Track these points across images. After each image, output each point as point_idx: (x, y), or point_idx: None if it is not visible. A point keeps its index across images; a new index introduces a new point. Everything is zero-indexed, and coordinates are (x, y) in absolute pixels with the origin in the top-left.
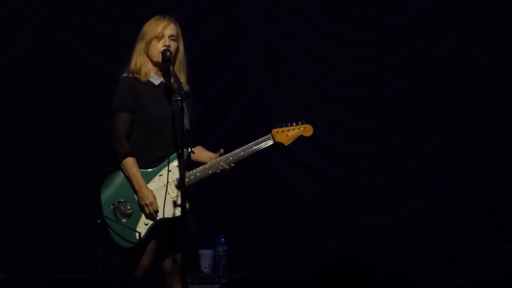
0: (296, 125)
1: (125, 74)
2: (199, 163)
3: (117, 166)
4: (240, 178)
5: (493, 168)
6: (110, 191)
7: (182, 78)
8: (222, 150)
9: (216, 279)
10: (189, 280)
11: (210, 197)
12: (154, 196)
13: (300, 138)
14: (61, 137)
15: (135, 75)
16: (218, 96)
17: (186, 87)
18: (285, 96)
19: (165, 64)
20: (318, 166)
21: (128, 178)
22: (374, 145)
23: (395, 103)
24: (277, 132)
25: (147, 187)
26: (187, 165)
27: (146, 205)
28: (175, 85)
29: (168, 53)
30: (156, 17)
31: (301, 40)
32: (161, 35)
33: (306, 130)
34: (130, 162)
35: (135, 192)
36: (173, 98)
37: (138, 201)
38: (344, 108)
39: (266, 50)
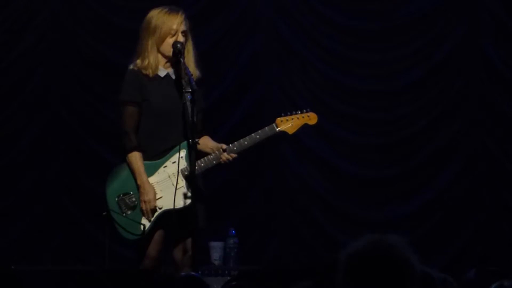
0: (300, 113)
1: (131, 66)
2: (204, 154)
3: (124, 158)
4: (250, 170)
5: (503, 160)
6: (115, 184)
7: (192, 68)
8: (224, 146)
9: (226, 271)
10: (199, 272)
11: (220, 189)
12: (154, 195)
13: (310, 129)
14: (73, 130)
15: (143, 70)
16: (228, 89)
17: (196, 73)
18: (295, 89)
19: (176, 56)
20: (328, 159)
21: (132, 172)
22: (384, 138)
23: (405, 95)
24: (281, 121)
25: (149, 183)
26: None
27: (145, 201)
28: (186, 77)
29: (179, 45)
30: (166, 9)
31: (312, 32)
32: (175, 31)
33: (310, 118)
34: (135, 157)
35: (137, 186)
36: (184, 91)
37: (140, 196)
38: (355, 100)
39: (277, 42)
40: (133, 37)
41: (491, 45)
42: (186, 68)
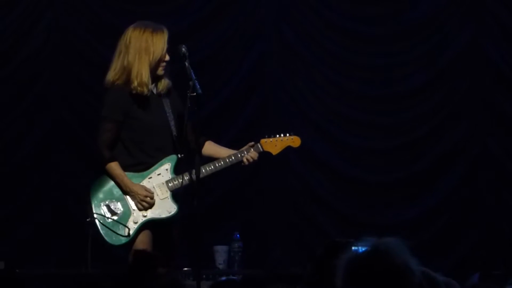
0: (284, 136)
1: (119, 82)
2: (210, 159)
3: (101, 171)
4: (254, 175)
5: (508, 164)
6: (100, 192)
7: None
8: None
9: (230, 275)
10: (204, 276)
11: (225, 193)
12: (146, 188)
13: (314, 133)
14: (76, 132)
15: (139, 88)
16: (233, 93)
17: (166, 85)
18: (300, 93)
19: (181, 60)
20: (333, 163)
21: (114, 181)
22: (389, 142)
23: (409, 99)
24: (265, 142)
25: (134, 183)
26: (179, 169)
27: (141, 200)
28: (191, 81)
29: (183, 49)
30: (156, 30)
31: (317, 36)
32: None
33: (294, 141)
34: (113, 166)
35: (124, 192)
36: (188, 94)
37: (130, 200)
38: (359, 105)
39: (281, 46)
40: None
41: (495, 49)
42: (192, 72)
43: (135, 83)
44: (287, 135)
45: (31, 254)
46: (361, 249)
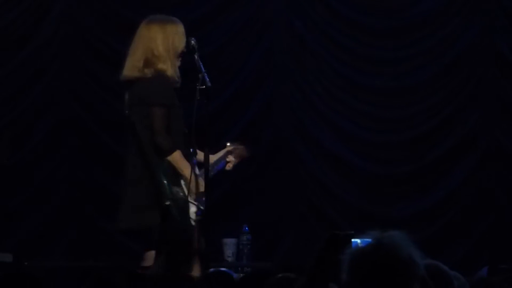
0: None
1: (159, 67)
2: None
3: (156, 157)
4: (264, 168)
5: None
6: (167, 178)
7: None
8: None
9: (239, 268)
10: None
11: (234, 186)
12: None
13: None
14: (85, 125)
15: (171, 77)
16: (242, 86)
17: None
18: (310, 86)
19: (191, 53)
20: (342, 156)
21: (179, 169)
22: (398, 135)
23: (419, 93)
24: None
25: (201, 178)
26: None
27: (202, 191)
28: (201, 74)
29: (193, 41)
30: (177, 23)
31: (326, 29)
32: None
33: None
34: (177, 155)
35: (185, 181)
36: (197, 87)
37: (185, 188)
38: (369, 98)
39: (291, 40)
40: None
41: (505, 42)
42: (201, 64)
43: (171, 72)
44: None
45: (39, 247)
46: (362, 241)
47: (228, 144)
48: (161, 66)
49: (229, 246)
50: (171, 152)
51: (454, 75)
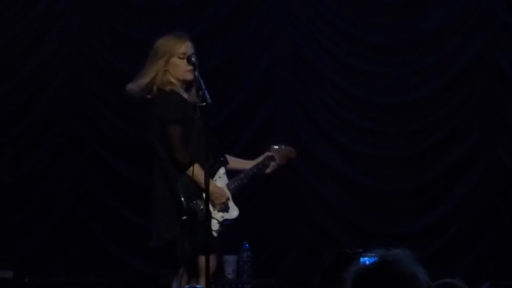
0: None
1: (168, 87)
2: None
3: (177, 173)
4: (265, 184)
5: None
6: (187, 192)
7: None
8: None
9: (239, 285)
10: (213, 286)
11: (234, 202)
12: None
13: (324, 142)
14: (87, 140)
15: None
16: (243, 101)
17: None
18: (310, 101)
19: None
20: (343, 172)
21: (199, 182)
22: (399, 151)
23: (421, 109)
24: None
25: (218, 186)
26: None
27: (223, 202)
28: (201, 91)
29: (193, 58)
30: (183, 38)
31: (327, 45)
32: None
33: (292, 152)
34: (196, 169)
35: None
36: (197, 104)
37: (214, 201)
38: (370, 114)
39: (292, 55)
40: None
41: (505, 59)
42: (201, 81)
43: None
44: (282, 146)
45: (40, 263)
46: (369, 260)
47: (276, 146)
48: (171, 83)
49: (230, 263)
50: (189, 166)
51: (455, 92)
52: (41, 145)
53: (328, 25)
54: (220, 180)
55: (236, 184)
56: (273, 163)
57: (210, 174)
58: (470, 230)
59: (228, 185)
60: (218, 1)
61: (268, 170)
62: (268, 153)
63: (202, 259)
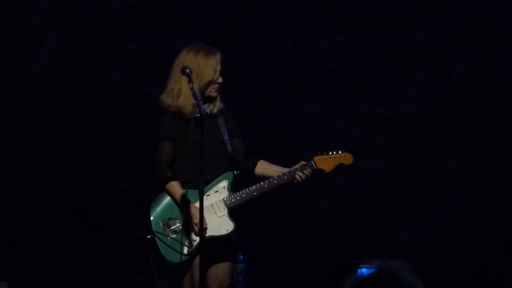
0: (336, 153)
1: (172, 102)
2: (260, 178)
3: (161, 189)
4: (261, 196)
5: None
6: (160, 209)
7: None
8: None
9: None
10: None
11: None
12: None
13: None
14: (83, 153)
15: (182, 110)
16: (238, 113)
17: (219, 105)
18: (306, 113)
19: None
20: (340, 184)
21: (174, 200)
22: (396, 163)
23: (416, 121)
24: (319, 159)
25: (194, 205)
26: (236, 186)
27: (195, 223)
28: (195, 101)
29: (187, 70)
30: (209, 53)
31: (323, 57)
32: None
33: (346, 158)
34: (173, 185)
35: (182, 211)
36: (192, 115)
37: (186, 220)
38: (365, 126)
39: (287, 67)
40: (144, 61)
41: (502, 71)
42: (195, 93)
43: (180, 104)
44: (340, 152)
45: (36, 275)
46: (367, 271)
47: (318, 157)
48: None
49: None
50: (164, 183)
51: (452, 103)
52: (37, 157)
53: (323, 36)
54: (216, 194)
55: (241, 196)
56: (305, 171)
57: (205, 188)
58: (467, 241)
59: (226, 199)
60: (213, 13)
61: (296, 181)
62: (303, 162)
63: (209, 274)
